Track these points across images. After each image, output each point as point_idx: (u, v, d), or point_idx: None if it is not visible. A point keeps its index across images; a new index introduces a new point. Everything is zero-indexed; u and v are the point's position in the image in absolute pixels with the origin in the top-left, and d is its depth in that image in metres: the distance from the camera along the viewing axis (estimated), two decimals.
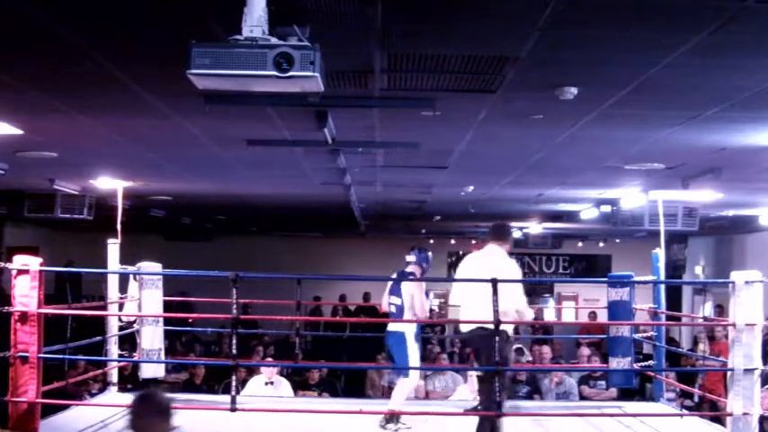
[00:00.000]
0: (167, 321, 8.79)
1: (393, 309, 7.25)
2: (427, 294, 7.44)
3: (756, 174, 9.54)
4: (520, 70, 5.38)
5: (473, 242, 19.11)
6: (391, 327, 7.22)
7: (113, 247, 8.10)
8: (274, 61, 4.00)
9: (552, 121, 6.96)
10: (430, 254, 7.52)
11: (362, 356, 12.92)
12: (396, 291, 7.26)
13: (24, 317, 6.11)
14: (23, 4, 4.28)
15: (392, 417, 6.97)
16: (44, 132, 7.91)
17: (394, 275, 7.42)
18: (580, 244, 22.79)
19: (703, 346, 12.90)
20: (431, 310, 8.08)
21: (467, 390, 9.38)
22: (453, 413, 7.47)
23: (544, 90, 5.85)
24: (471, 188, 12.31)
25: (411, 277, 7.26)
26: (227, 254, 20.64)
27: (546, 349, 12.12)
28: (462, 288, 6.70)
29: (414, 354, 7.16)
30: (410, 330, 7.13)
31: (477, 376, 6.86)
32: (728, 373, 6.49)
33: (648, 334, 8.74)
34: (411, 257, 7.37)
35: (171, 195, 14.25)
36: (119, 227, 8.45)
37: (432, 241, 24.11)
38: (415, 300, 7.15)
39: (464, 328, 6.62)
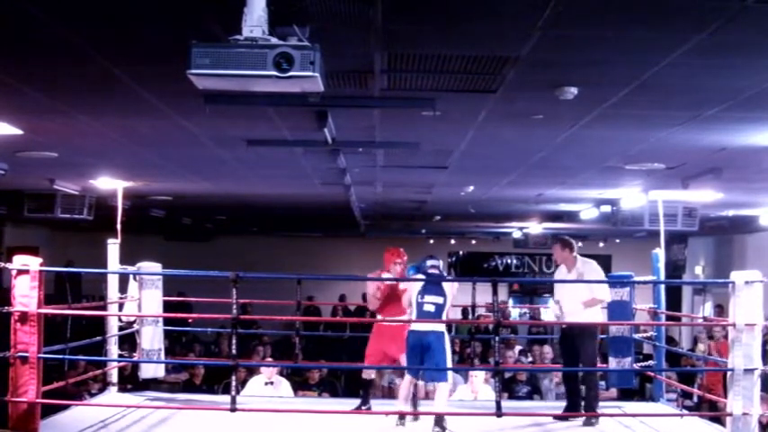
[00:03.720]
0: (167, 321, 8.79)
1: (432, 308, 7.04)
2: None
3: (756, 174, 9.54)
4: (520, 70, 5.38)
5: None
6: (427, 327, 7.00)
7: (113, 247, 8.10)
8: (274, 61, 4.00)
9: (552, 121, 6.96)
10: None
11: (363, 356, 12.89)
12: (434, 290, 7.08)
13: (24, 317, 6.10)
14: (23, 4, 4.28)
15: (440, 420, 6.92)
16: (44, 132, 7.91)
17: (418, 275, 7.29)
18: (580, 244, 22.71)
19: (703, 347, 12.92)
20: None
21: (467, 390, 9.37)
22: (453, 413, 7.46)
23: (544, 90, 5.85)
24: (471, 188, 12.32)
25: (449, 277, 7.24)
26: (227, 254, 20.66)
27: (546, 349, 12.13)
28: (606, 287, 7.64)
29: (450, 354, 7.12)
30: (443, 330, 7.07)
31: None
32: (728, 373, 6.49)
33: (648, 334, 8.74)
34: (435, 262, 7.36)
35: (171, 195, 14.25)
36: (119, 227, 8.45)
37: (432, 241, 24.13)
38: (453, 300, 7.20)
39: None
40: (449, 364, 7.08)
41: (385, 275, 7.69)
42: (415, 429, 7.10)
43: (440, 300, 7.06)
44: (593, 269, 7.52)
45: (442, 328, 7.04)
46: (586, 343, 7.36)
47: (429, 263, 7.33)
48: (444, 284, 7.14)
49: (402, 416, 7.13)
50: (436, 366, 7.00)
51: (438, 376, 7.09)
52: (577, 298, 7.37)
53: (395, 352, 7.48)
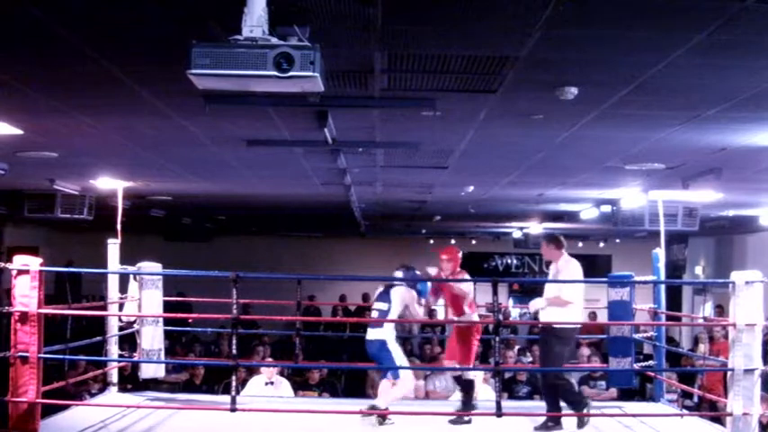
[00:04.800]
0: (167, 321, 8.79)
1: (375, 314, 7.29)
2: (421, 296, 7.45)
3: (756, 174, 9.54)
4: (520, 70, 5.38)
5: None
6: (371, 335, 7.24)
7: (113, 247, 8.11)
8: (274, 61, 4.00)
9: (552, 121, 6.96)
10: (418, 273, 7.54)
11: (362, 356, 12.89)
12: (383, 297, 7.31)
13: (24, 317, 6.10)
14: (23, 4, 4.28)
15: (378, 415, 7.02)
16: (44, 132, 7.91)
17: (381, 289, 7.48)
18: (580, 244, 22.78)
19: (704, 347, 12.91)
20: (432, 311, 8.12)
21: None
22: (453, 413, 7.47)
23: (544, 90, 5.85)
24: (471, 188, 12.31)
25: (401, 286, 7.28)
26: (227, 254, 20.67)
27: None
28: (579, 290, 7.24)
29: (399, 356, 7.21)
30: (390, 337, 7.19)
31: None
32: (729, 373, 6.49)
33: (649, 334, 8.74)
34: (398, 274, 7.43)
35: (171, 195, 14.25)
36: (119, 227, 8.45)
37: (432, 241, 24.12)
38: (410, 309, 7.26)
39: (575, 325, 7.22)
40: (398, 362, 7.20)
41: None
42: (409, 429, 7.13)
43: (384, 306, 7.24)
44: (570, 269, 7.26)
45: (382, 335, 7.16)
46: (548, 346, 7.15)
47: (395, 274, 7.48)
48: (392, 291, 7.25)
49: (383, 416, 7.21)
50: (386, 371, 7.25)
51: (391, 373, 7.27)
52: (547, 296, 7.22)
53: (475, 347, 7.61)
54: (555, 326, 7.08)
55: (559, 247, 7.33)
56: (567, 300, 7.07)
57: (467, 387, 7.59)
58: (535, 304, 7.26)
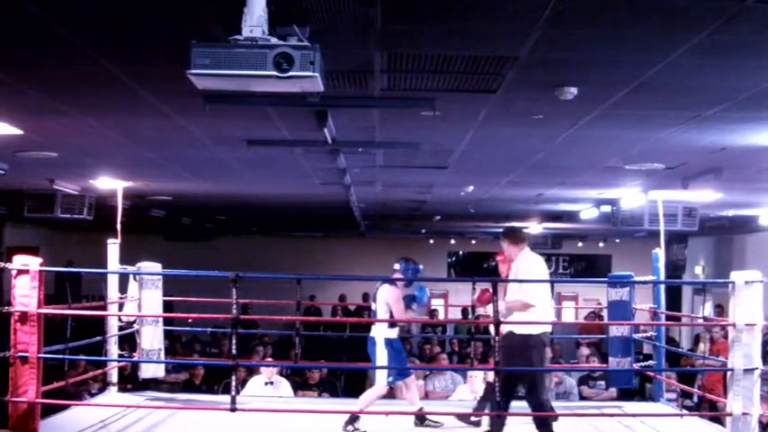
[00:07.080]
0: (167, 322, 8.79)
1: (371, 315, 7.45)
2: (414, 301, 7.43)
3: (756, 174, 9.54)
4: (520, 70, 5.38)
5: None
6: (372, 332, 7.35)
7: (113, 247, 8.11)
8: (274, 61, 4.00)
9: (552, 121, 6.96)
10: (421, 267, 7.46)
11: (362, 356, 12.90)
12: (373, 297, 7.42)
13: (24, 317, 6.10)
14: (23, 3, 4.28)
15: (352, 419, 7.04)
16: (44, 132, 7.91)
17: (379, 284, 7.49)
18: (580, 244, 22.78)
19: (704, 346, 12.91)
20: (433, 311, 8.16)
21: (467, 390, 9.37)
22: (453, 413, 7.48)
23: (544, 90, 5.85)
24: (471, 188, 12.32)
25: (386, 285, 7.29)
26: (227, 254, 20.67)
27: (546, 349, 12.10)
28: (541, 289, 6.69)
29: (381, 359, 7.19)
30: (381, 336, 7.21)
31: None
32: (728, 373, 6.50)
33: (648, 334, 8.74)
34: (396, 266, 7.41)
35: (171, 195, 14.25)
36: (119, 227, 8.45)
37: (432, 241, 24.13)
38: (392, 308, 7.22)
39: (544, 329, 6.71)
40: (379, 365, 7.23)
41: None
42: (409, 428, 7.15)
43: (373, 306, 7.39)
44: (530, 266, 6.65)
45: (374, 332, 7.26)
46: (525, 358, 6.48)
47: (394, 266, 7.47)
48: (378, 291, 7.31)
49: (421, 417, 7.28)
50: (373, 370, 7.37)
51: (372, 377, 7.34)
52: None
53: None
54: (525, 333, 6.48)
55: (517, 241, 6.78)
56: (530, 303, 6.47)
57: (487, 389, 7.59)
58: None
